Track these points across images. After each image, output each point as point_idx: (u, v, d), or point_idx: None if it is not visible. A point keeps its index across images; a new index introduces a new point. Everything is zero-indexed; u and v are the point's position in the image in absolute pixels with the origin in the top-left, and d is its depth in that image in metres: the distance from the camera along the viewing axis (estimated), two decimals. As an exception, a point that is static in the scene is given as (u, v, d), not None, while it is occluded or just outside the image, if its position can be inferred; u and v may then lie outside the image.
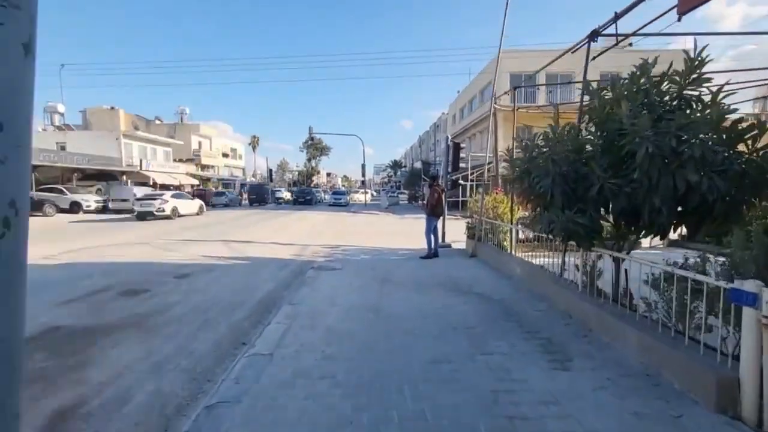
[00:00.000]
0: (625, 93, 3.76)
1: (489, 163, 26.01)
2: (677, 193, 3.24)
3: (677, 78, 3.52)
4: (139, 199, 19.99)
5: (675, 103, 3.61)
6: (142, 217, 19.31)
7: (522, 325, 4.21)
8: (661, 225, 3.65)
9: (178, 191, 25.28)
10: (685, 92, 3.53)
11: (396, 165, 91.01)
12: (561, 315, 4.51)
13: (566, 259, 5.27)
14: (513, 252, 7.68)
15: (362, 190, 49.36)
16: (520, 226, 7.43)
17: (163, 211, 19.32)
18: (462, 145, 10.20)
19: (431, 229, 8.38)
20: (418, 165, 41.36)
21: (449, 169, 10.55)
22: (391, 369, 3.19)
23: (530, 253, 6.93)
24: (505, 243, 8.16)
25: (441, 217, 8.80)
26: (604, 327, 3.83)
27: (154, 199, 19.73)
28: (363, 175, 33.06)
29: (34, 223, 16.86)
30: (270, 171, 37.84)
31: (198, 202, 23.09)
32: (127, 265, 7.92)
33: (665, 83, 3.66)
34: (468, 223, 9.48)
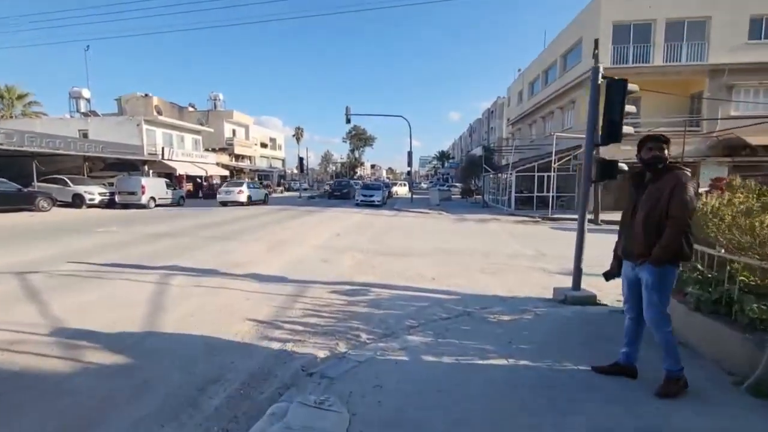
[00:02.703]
0: None
1: (576, 147, 19.48)
2: None
3: None
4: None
5: None
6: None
7: None
8: None
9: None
10: None
11: (443, 156, 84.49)
12: None
13: None
14: None
15: (400, 182, 42.83)
16: None
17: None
18: (633, 87, 4.45)
19: (665, 314, 2.59)
20: (477, 152, 34.86)
21: (597, 140, 4.94)
22: None
23: None
24: None
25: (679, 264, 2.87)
26: None
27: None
28: (409, 164, 27.54)
29: (6, 221, 13.38)
30: (301, 159, 33.28)
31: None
32: None
33: None
34: (695, 272, 3.76)
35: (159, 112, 32.14)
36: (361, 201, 24.12)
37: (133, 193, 20.95)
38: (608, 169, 4.86)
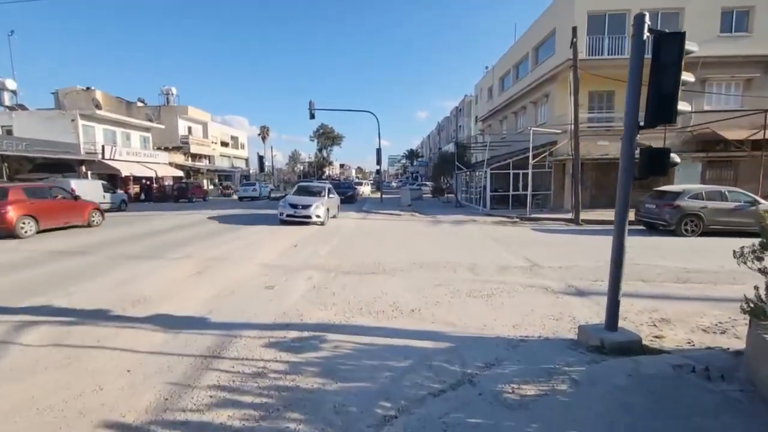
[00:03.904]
0: None
1: (551, 143, 18.55)
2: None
3: None
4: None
5: None
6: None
7: None
8: None
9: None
10: None
11: (412, 155, 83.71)
12: None
13: None
14: None
15: (365, 182, 42.30)
16: None
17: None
18: (692, 46, 3.01)
19: None
20: (449, 148, 33.67)
21: (640, 122, 3.53)
22: None
23: None
24: None
25: None
26: None
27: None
28: (378, 162, 25.94)
29: None
30: (261, 158, 30.93)
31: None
32: None
33: None
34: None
35: (98, 106, 28.76)
36: (287, 217, 13.80)
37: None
38: (658, 161, 3.45)
